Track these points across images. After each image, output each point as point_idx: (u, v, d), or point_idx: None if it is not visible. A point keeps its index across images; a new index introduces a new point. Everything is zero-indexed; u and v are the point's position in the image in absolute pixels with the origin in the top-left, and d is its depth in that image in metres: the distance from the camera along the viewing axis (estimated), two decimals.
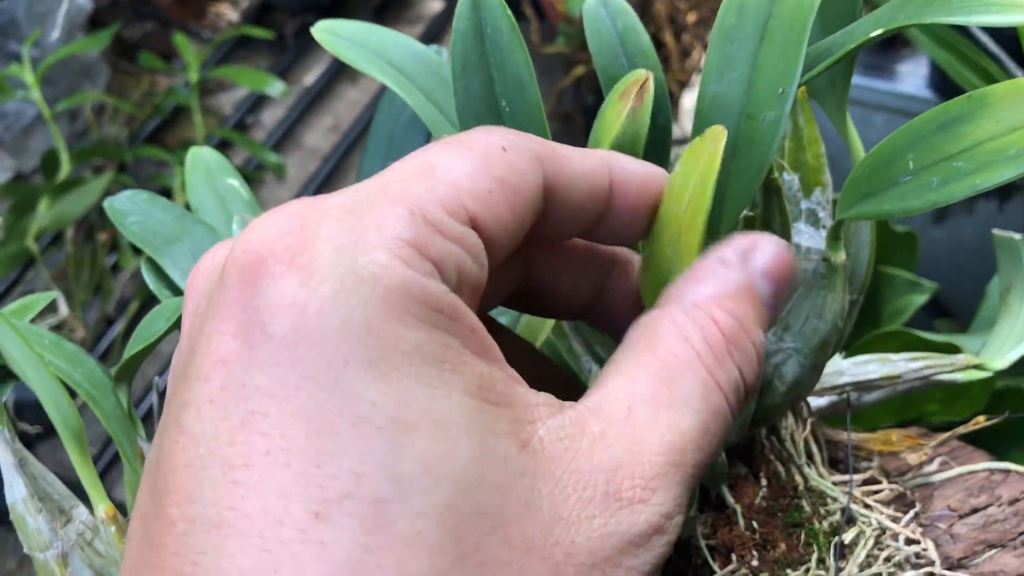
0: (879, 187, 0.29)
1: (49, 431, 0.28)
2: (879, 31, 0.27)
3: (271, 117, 1.48)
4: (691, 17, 1.31)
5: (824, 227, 0.36)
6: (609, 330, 0.31)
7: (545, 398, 0.22)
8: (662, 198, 0.27)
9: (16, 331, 0.26)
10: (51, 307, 1.12)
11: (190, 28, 1.53)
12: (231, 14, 1.55)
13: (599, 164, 0.26)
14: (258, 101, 1.49)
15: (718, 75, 0.30)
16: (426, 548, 0.18)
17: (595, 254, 0.29)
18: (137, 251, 0.94)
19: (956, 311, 0.97)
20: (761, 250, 0.25)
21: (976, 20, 0.25)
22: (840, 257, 0.32)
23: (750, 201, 0.30)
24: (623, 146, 0.29)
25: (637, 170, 0.27)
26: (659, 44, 1.27)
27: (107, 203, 0.40)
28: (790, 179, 0.36)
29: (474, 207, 0.22)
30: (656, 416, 0.22)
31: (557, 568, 0.20)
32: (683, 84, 1.31)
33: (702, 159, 0.26)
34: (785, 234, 0.34)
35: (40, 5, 1.29)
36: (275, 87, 1.27)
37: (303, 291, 0.20)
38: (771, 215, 0.34)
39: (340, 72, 1.52)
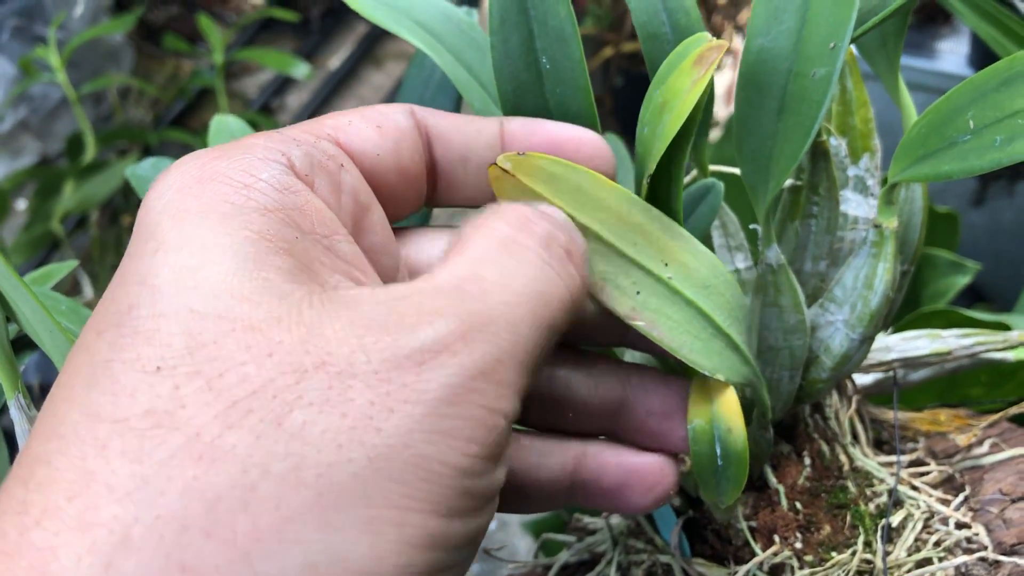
0: (937, 147, 0.27)
1: None
2: None
3: (296, 100, 1.48)
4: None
5: (872, 195, 0.35)
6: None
7: (355, 282, 0.24)
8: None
9: (31, 292, 0.25)
10: (76, 289, 1.12)
11: (215, 11, 1.52)
12: None
13: (486, 120, 0.29)
14: (283, 84, 1.49)
15: (765, 29, 0.29)
16: (160, 341, 0.20)
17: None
18: None
19: (994, 296, 0.95)
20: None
21: None
22: (893, 223, 0.30)
23: (796, 163, 0.29)
24: (695, 116, 0.27)
25: (535, 125, 0.28)
26: (711, 9, 1.25)
27: (129, 171, 0.39)
28: (837, 144, 0.34)
29: (333, 131, 0.26)
30: (455, 276, 0.23)
31: (303, 374, 0.20)
32: None
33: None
34: (833, 201, 0.33)
35: None
36: (300, 69, 1.26)
37: (162, 179, 0.24)
38: (818, 180, 0.32)
39: (365, 56, 1.50)
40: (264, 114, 1.40)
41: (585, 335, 0.29)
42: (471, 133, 0.28)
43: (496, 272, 0.23)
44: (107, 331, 0.21)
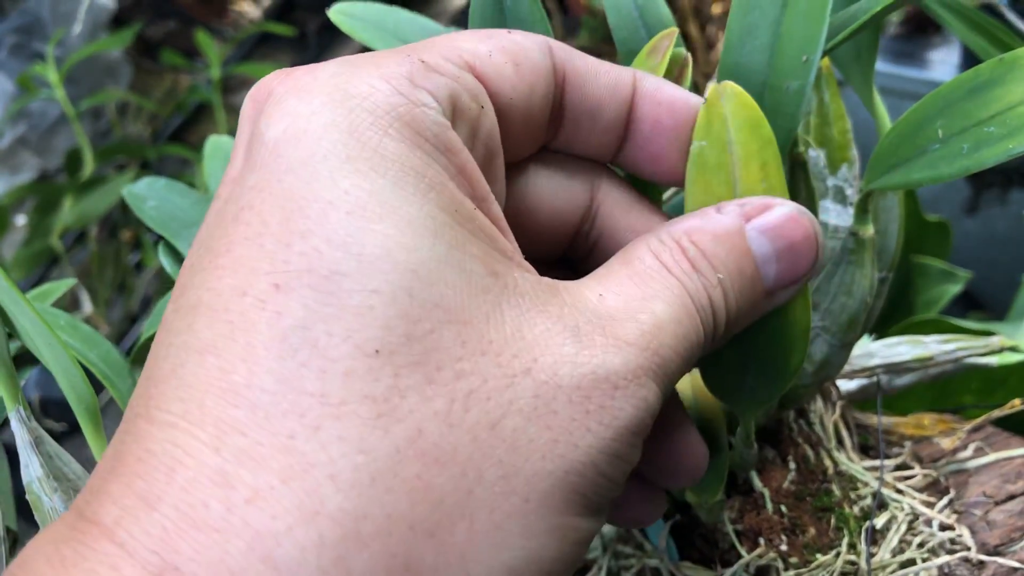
0: (908, 156, 0.28)
1: (75, 428, 0.27)
2: None
3: None
4: (716, 9, 1.29)
5: (851, 204, 0.35)
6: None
7: (527, 265, 0.23)
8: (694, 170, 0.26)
9: (32, 308, 0.26)
10: (75, 304, 1.12)
11: (212, 26, 1.53)
12: (253, 11, 1.55)
13: (623, 70, 0.26)
14: None
15: (740, 44, 0.30)
16: (376, 321, 0.19)
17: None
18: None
19: (989, 304, 0.95)
20: (771, 210, 0.25)
21: None
22: (868, 231, 0.31)
23: None
24: None
25: (670, 89, 0.27)
26: (684, 36, 1.26)
27: (126, 190, 0.40)
28: (816, 155, 0.35)
29: (471, 59, 0.24)
30: (627, 302, 0.23)
31: (514, 378, 0.20)
32: (709, 76, 1.30)
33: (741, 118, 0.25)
34: (811, 211, 0.34)
35: (64, 5, 1.29)
36: None
37: (297, 103, 0.21)
38: (796, 191, 0.33)
39: None
40: None
41: None
42: (608, 85, 0.26)
43: (667, 313, 0.23)
44: (297, 290, 0.19)
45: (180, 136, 1.42)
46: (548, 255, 0.28)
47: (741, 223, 0.25)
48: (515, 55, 0.24)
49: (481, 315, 0.20)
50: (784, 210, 0.25)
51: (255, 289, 0.19)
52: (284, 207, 0.20)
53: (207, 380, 0.19)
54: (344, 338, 0.19)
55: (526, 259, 0.24)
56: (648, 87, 0.26)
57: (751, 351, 0.27)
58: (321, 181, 0.20)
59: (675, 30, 0.28)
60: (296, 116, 0.21)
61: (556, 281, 0.23)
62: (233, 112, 1.45)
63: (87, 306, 1.11)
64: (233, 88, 1.49)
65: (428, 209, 0.21)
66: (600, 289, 0.23)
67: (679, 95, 0.26)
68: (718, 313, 0.24)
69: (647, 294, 0.23)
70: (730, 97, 0.26)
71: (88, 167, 1.20)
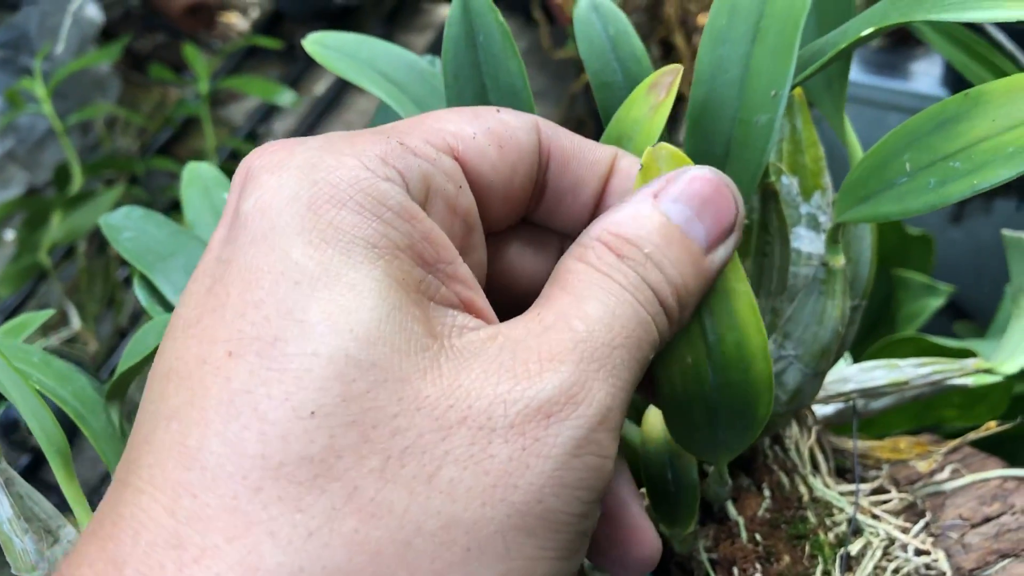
0: (876, 189, 0.28)
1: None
2: (871, 29, 0.26)
3: (282, 127, 1.49)
4: (701, 20, 1.30)
5: (824, 231, 0.36)
6: None
7: (473, 321, 0.24)
8: None
9: None
10: (63, 321, 1.12)
11: (200, 39, 1.53)
12: (241, 24, 1.55)
13: (603, 149, 0.27)
14: (269, 111, 1.50)
15: (710, 78, 0.30)
16: (314, 384, 0.20)
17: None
18: None
19: (975, 313, 0.96)
20: (675, 180, 0.26)
21: (967, 17, 0.25)
22: (839, 261, 0.31)
23: (745, 204, 0.29)
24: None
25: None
26: (670, 47, 1.26)
27: (102, 220, 0.39)
28: (789, 183, 0.35)
29: (454, 142, 0.25)
30: (560, 312, 0.23)
31: (448, 428, 0.21)
32: None
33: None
34: (784, 239, 0.34)
35: (51, 19, 1.29)
36: (285, 97, 1.27)
37: (270, 178, 0.23)
38: (768, 220, 0.33)
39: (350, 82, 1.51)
40: (251, 142, 1.41)
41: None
42: (589, 163, 0.27)
43: (599, 310, 0.23)
44: (245, 356, 0.20)
45: (169, 150, 1.42)
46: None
47: (652, 200, 0.25)
48: (500, 136, 0.25)
49: (419, 371, 0.21)
50: (686, 174, 0.26)
51: (213, 357, 0.21)
52: (244, 278, 0.22)
53: (169, 445, 0.20)
54: (282, 401, 0.20)
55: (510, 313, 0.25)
56: (625, 166, 0.27)
57: (718, 407, 0.28)
58: (276, 253, 0.22)
59: (680, 67, 0.29)
60: (265, 190, 0.22)
61: (498, 327, 0.23)
62: (222, 125, 1.45)
63: (76, 322, 1.10)
64: (222, 101, 1.49)
65: (375, 274, 0.22)
66: (537, 310, 0.24)
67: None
68: (660, 288, 0.25)
69: (578, 298, 0.24)
70: (666, 159, 0.26)
71: (76, 182, 1.20)
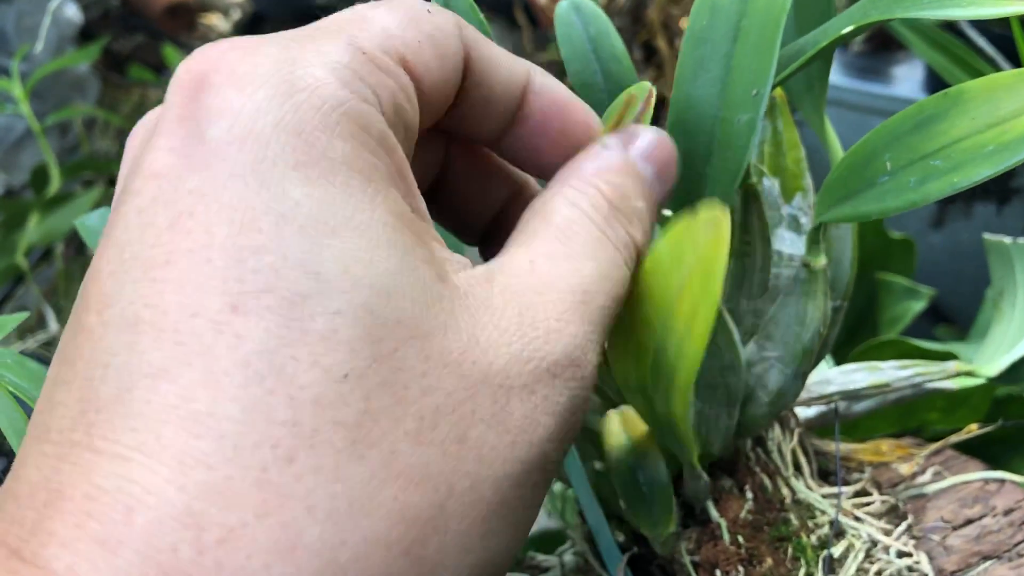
0: (857, 189, 0.28)
1: None
2: (851, 27, 0.26)
3: None
4: (684, 23, 1.30)
5: (806, 232, 0.35)
6: None
7: (458, 256, 0.23)
8: (646, 270, 0.25)
9: None
10: (41, 324, 1.11)
11: (181, 40, 1.52)
12: (222, 26, 1.54)
13: (519, 62, 0.26)
14: None
15: (692, 78, 0.30)
16: (342, 345, 0.18)
17: (504, 172, 0.29)
18: None
19: (957, 316, 0.96)
20: (640, 136, 0.26)
21: (946, 14, 0.24)
22: (820, 262, 0.31)
23: (726, 204, 0.29)
24: None
25: (560, 89, 0.27)
26: (653, 50, 1.26)
27: (79, 222, 0.39)
28: (770, 184, 0.35)
29: (404, 51, 0.22)
30: (557, 265, 0.23)
31: (474, 386, 0.20)
32: None
33: (701, 246, 0.21)
34: (765, 240, 0.33)
35: (29, 19, 1.28)
36: None
37: (240, 97, 0.20)
38: (750, 221, 0.33)
39: None
40: None
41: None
42: (505, 75, 0.25)
43: (594, 270, 0.23)
44: (257, 312, 0.18)
45: None
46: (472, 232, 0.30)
47: (629, 154, 0.25)
48: (439, 45, 0.23)
49: (439, 326, 0.20)
50: (650, 135, 0.26)
51: (208, 310, 0.18)
52: (232, 219, 0.19)
53: (163, 408, 0.18)
54: (311, 364, 0.18)
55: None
56: (540, 83, 0.26)
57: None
58: (271, 191, 0.19)
59: (651, 88, 0.28)
60: (239, 114, 0.20)
61: (489, 267, 0.23)
62: None
63: (53, 325, 1.09)
64: None
65: (378, 215, 0.20)
66: (529, 255, 0.23)
67: (571, 98, 0.27)
68: (638, 246, 0.25)
69: (573, 252, 0.23)
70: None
71: (55, 183, 1.19)
